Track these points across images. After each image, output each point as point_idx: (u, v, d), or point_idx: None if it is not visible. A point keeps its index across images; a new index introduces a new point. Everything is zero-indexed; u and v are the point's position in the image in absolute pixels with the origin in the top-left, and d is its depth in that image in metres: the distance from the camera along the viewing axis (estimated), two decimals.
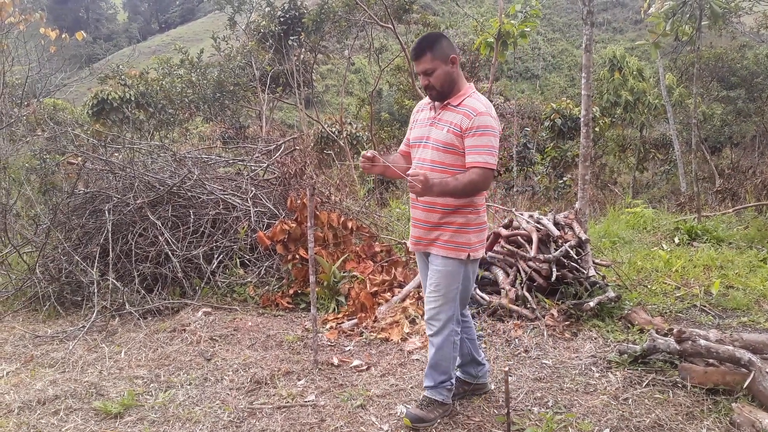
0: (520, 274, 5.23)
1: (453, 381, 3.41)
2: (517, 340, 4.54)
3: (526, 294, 5.03)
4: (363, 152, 3.26)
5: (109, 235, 5.66)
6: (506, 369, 2.68)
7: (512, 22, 10.42)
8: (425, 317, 3.37)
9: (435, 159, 3.18)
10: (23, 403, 3.73)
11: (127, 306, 5.32)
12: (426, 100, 3.36)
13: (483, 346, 4.48)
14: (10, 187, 12.32)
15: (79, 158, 7.08)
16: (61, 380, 4.09)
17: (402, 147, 3.52)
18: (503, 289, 5.12)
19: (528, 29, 10.60)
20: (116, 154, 7.13)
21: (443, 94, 3.18)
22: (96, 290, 5.38)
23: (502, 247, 5.50)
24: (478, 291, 5.18)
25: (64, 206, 6.18)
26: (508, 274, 5.30)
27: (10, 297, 5.83)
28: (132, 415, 3.58)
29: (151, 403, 3.72)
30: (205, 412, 3.61)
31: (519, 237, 5.44)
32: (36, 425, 3.48)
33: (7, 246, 6.81)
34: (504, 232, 5.54)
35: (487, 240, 5.80)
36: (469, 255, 3.21)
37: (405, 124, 22.23)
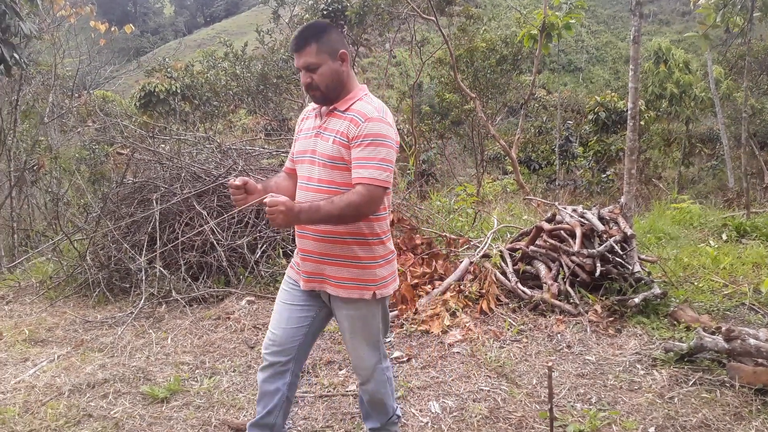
0: (562, 268, 5.17)
1: (398, 413, 3.01)
2: (559, 335, 4.51)
3: (569, 289, 4.98)
4: (230, 181, 2.64)
5: (157, 224, 5.79)
6: (549, 364, 2.66)
7: (557, 13, 10.30)
8: (352, 364, 2.88)
9: (322, 177, 2.60)
10: (73, 386, 3.85)
11: (174, 293, 5.44)
12: (312, 105, 2.80)
13: (524, 340, 4.46)
14: (61, 177, 12.70)
15: (128, 149, 7.25)
16: (110, 364, 4.21)
17: (287, 164, 2.93)
18: (545, 283, 5.08)
19: (573, 21, 10.46)
20: (162, 146, 7.27)
21: (328, 96, 2.62)
22: (144, 277, 5.51)
23: (545, 241, 5.45)
24: (519, 285, 5.16)
25: (113, 195, 6.34)
26: (550, 269, 5.25)
27: (62, 283, 6.00)
28: (178, 400, 3.67)
29: (197, 389, 3.81)
30: (248, 398, 3.68)
31: (562, 231, 5.38)
32: (86, 408, 3.59)
33: (58, 233, 7.01)
34: (546, 226, 5.48)
35: (529, 234, 5.76)
36: (374, 294, 2.65)
37: (445, 117, 22.16)
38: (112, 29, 10.47)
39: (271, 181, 2.88)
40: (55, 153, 11.05)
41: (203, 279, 5.76)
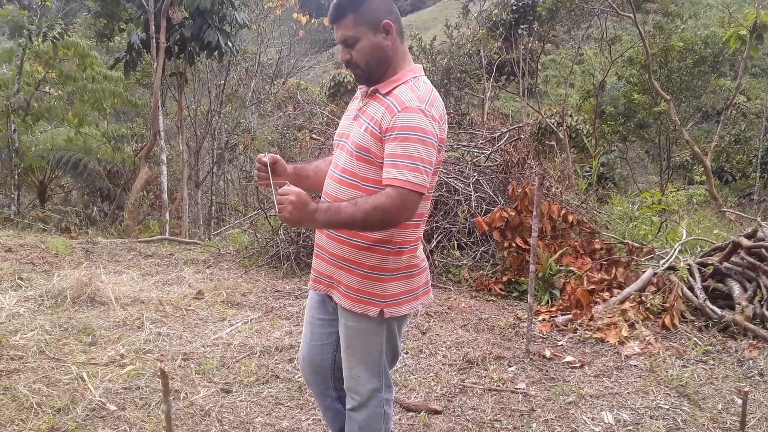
0: (760, 289, 4.76)
1: None
2: (751, 361, 4.16)
3: (766, 313, 4.58)
4: (259, 156, 2.35)
5: None
6: (745, 389, 2.48)
7: None
8: (345, 385, 2.42)
9: (346, 166, 2.25)
10: (264, 348, 4.20)
11: None
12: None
13: (711, 362, 4.18)
14: (254, 157, 13.81)
15: (322, 135, 7.72)
16: (296, 332, 4.53)
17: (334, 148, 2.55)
18: (738, 304, 4.71)
19: None
20: None
21: (370, 75, 2.24)
22: None
23: (742, 258, 5.05)
24: (708, 303, 4.83)
25: None
26: (745, 289, 4.85)
27: (256, 253, 6.56)
28: None
29: None
30: (419, 381, 3.80)
31: (763, 249, 4.95)
32: (273, 369, 3.90)
33: (249, 208, 7.66)
34: (745, 242, 5.07)
35: (723, 249, 5.35)
36: (382, 311, 2.25)
37: (630, 119, 21.02)
38: (312, 21, 11.18)
39: (311, 165, 2.56)
40: (253, 135, 12.02)
41: None
